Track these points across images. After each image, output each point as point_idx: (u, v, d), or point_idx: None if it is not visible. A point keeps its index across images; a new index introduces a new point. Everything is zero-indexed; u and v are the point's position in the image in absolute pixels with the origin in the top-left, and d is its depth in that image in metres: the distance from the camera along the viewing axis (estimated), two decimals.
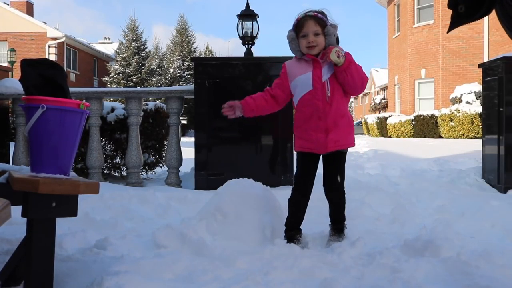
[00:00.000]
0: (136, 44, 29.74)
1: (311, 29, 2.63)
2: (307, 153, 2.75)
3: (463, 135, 14.57)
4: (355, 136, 2.95)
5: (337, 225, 2.88)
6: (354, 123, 3.09)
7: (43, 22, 29.51)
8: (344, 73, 2.60)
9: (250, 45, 5.83)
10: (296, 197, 2.80)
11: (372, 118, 21.63)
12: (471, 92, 16.36)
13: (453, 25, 0.96)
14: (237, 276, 2.20)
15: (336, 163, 2.77)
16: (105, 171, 6.02)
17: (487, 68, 5.22)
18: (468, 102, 15.99)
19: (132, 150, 5.24)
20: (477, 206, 3.84)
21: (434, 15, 19.28)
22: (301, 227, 2.85)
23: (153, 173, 6.38)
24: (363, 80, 2.67)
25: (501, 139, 4.88)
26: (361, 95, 51.87)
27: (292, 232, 2.80)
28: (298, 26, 2.68)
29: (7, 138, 5.48)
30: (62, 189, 1.78)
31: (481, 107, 5.87)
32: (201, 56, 35.38)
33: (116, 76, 29.11)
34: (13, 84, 5.29)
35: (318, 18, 2.66)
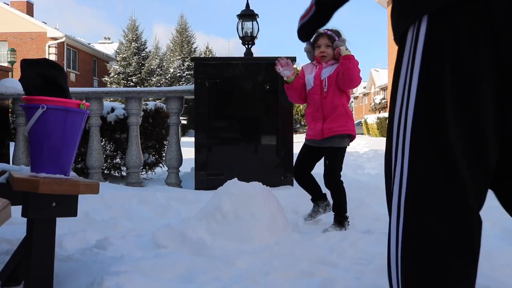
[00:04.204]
0: (136, 44, 29.73)
1: (323, 42, 3.30)
2: (308, 140, 3.36)
3: None
4: (355, 136, 3.26)
5: (336, 216, 3.25)
6: (354, 123, 3.49)
7: (43, 22, 29.50)
8: (348, 61, 3.13)
9: (250, 45, 5.83)
10: (297, 177, 3.42)
11: (372, 118, 21.62)
12: None
13: None
14: (237, 276, 2.20)
15: (332, 158, 3.25)
16: (105, 171, 6.02)
17: None
18: None
19: (132, 150, 5.24)
20: None
21: None
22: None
23: (153, 173, 6.38)
24: (358, 74, 3.20)
25: None
26: (361, 95, 51.89)
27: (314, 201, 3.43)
28: (314, 40, 3.33)
29: (7, 138, 5.48)
30: (62, 189, 1.78)
31: None
32: (201, 56, 35.37)
33: (116, 76, 29.10)
34: (13, 84, 5.29)
35: (328, 35, 3.30)
